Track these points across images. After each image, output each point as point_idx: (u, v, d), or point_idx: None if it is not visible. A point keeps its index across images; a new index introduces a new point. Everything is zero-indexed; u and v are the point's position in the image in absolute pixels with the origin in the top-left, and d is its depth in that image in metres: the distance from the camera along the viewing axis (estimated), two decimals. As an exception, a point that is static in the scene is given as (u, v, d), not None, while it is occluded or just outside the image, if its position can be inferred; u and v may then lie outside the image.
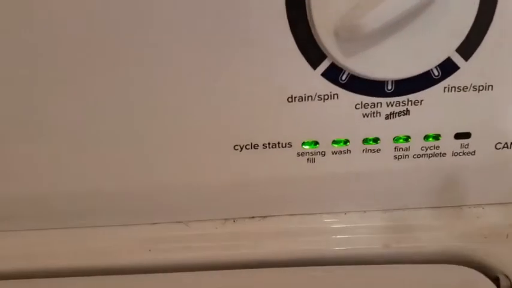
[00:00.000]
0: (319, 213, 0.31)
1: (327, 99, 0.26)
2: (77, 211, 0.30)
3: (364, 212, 0.31)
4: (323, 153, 0.28)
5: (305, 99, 0.26)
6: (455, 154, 0.28)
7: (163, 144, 0.27)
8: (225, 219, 0.31)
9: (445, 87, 0.26)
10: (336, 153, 0.28)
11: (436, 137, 0.28)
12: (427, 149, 0.28)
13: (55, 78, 0.25)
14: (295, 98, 0.26)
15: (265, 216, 0.31)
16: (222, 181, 0.29)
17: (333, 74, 0.26)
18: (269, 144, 0.28)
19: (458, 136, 0.28)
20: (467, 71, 0.26)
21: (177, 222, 0.31)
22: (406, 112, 0.27)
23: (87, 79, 0.25)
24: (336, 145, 0.28)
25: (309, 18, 0.24)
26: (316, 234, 0.31)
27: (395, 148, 0.28)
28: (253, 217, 0.31)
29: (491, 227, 0.30)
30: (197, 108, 0.26)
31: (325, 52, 0.25)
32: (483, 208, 0.31)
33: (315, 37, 0.24)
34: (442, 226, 0.31)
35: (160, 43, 0.25)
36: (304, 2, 0.24)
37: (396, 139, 0.28)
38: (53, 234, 0.30)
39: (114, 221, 0.31)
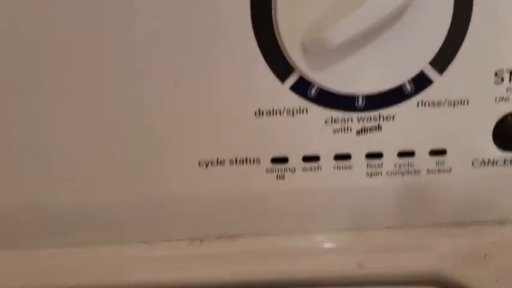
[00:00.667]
0: (290, 233, 0.30)
1: (296, 113, 0.26)
2: (33, 230, 0.28)
3: (337, 230, 0.30)
4: (293, 169, 0.27)
5: (273, 114, 0.26)
6: (431, 171, 0.27)
7: (124, 158, 0.26)
8: (191, 239, 0.29)
9: (418, 102, 0.26)
10: (306, 170, 0.27)
11: (410, 153, 0.27)
12: (400, 166, 0.27)
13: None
14: (263, 112, 0.25)
15: (233, 236, 0.30)
16: (186, 199, 0.28)
17: (302, 88, 0.25)
18: (236, 160, 0.27)
19: (433, 153, 0.27)
20: (442, 86, 0.25)
21: (140, 242, 0.29)
22: (378, 128, 0.26)
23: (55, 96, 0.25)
24: (306, 161, 0.27)
25: (275, 30, 0.24)
26: (287, 254, 0.30)
27: (367, 165, 0.27)
28: (221, 237, 0.30)
29: (469, 246, 0.29)
30: (160, 122, 0.25)
31: (292, 65, 0.24)
32: (460, 227, 0.30)
33: (282, 50, 0.24)
34: (418, 246, 0.30)
35: (126, 59, 0.24)
36: (271, 14, 0.23)
37: (368, 155, 0.27)
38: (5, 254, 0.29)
39: (74, 240, 0.29)
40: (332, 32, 0.22)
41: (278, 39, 0.23)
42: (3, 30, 0.23)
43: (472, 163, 0.27)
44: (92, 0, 0.23)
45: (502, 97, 0.26)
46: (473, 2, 0.24)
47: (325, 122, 0.26)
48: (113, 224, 0.28)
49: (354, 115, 0.26)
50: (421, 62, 0.24)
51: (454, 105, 0.26)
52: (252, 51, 0.24)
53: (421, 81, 0.25)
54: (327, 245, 0.30)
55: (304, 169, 0.27)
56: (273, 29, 0.23)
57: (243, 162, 0.27)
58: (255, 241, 0.29)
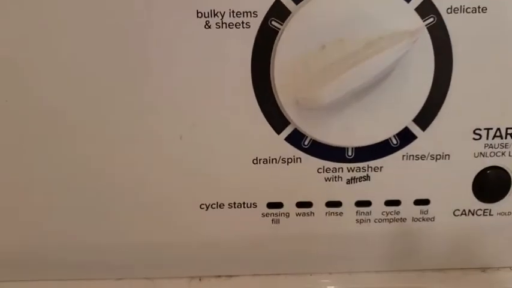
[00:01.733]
0: (284, 274, 0.31)
1: (291, 162, 0.27)
2: (34, 264, 0.30)
3: (330, 273, 0.31)
4: (287, 214, 0.28)
5: (270, 162, 0.27)
6: (415, 219, 0.28)
7: (129, 200, 0.28)
8: (191, 277, 0.31)
9: (403, 155, 0.27)
10: (299, 215, 0.28)
11: (397, 202, 0.28)
12: (387, 214, 0.28)
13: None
14: (260, 160, 0.27)
15: (231, 276, 0.31)
16: (188, 239, 0.29)
17: (296, 139, 0.27)
18: (234, 204, 0.28)
19: (418, 202, 0.28)
20: (425, 141, 0.27)
21: (143, 278, 0.31)
22: (367, 178, 0.27)
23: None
24: (299, 207, 0.28)
25: (273, 88, 0.25)
26: None
27: (357, 212, 0.28)
28: (219, 276, 0.31)
29: None
30: (165, 167, 0.27)
31: (288, 119, 0.26)
32: (445, 272, 0.31)
33: (279, 105, 0.26)
34: None
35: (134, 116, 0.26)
36: (269, 75, 0.25)
37: (358, 203, 0.28)
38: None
39: (76, 274, 0.30)
40: (322, 92, 0.23)
41: (275, 96, 0.25)
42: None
43: (454, 213, 0.28)
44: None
45: (480, 152, 0.27)
46: (453, 65, 0.25)
47: (318, 171, 0.27)
48: (119, 261, 0.29)
49: (344, 165, 0.27)
50: (406, 119, 0.26)
51: (436, 159, 0.27)
52: (251, 106, 0.26)
53: (405, 136, 0.26)
54: (320, 287, 0.31)
55: (297, 214, 0.28)
56: (271, 88, 0.25)
57: (240, 206, 0.28)
58: (251, 280, 0.30)
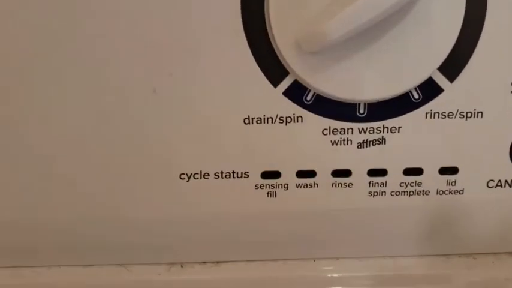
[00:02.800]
0: (282, 260, 0.28)
1: (290, 122, 0.24)
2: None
3: (336, 259, 0.28)
4: (286, 186, 0.25)
5: (264, 122, 0.24)
6: (441, 192, 0.26)
7: (94, 171, 0.25)
8: (171, 263, 0.28)
9: (427, 113, 0.24)
10: (300, 187, 0.25)
11: (418, 171, 0.25)
12: (407, 186, 0.25)
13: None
14: (252, 119, 0.24)
15: (218, 262, 0.28)
16: (165, 216, 0.26)
17: (297, 93, 0.24)
18: (222, 173, 0.25)
19: (444, 171, 0.25)
20: (453, 94, 0.24)
21: (115, 264, 0.27)
22: (382, 141, 0.24)
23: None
24: (300, 177, 0.25)
25: (268, 28, 0.22)
26: (279, 284, 0.27)
27: (369, 183, 0.25)
28: (204, 262, 0.28)
29: (483, 280, 0.27)
30: (136, 129, 0.24)
31: (287, 68, 0.23)
32: (474, 258, 0.28)
33: (276, 50, 0.23)
34: (426, 278, 0.27)
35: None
36: (263, 10, 0.22)
37: (370, 172, 0.25)
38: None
39: (41, 260, 0.27)
40: (329, 25, 0.20)
41: (271, 38, 0.22)
42: None
43: (487, 184, 0.25)
44: None
45: (520, 109, 0.24)
46: (487, 1, 0.22)
47: (323, 132, 0.24)
48: (87, 244, 0.27)
49: (355, 125, 0.24)
50: (430, 68, 0.23)
51: (466, 117, 0.24)
52: (241, 52, 0.22)
53: (429, 89, 0.23)
54: (326, 275, 0.28)
55: (298, 186, 0.25)
56: (265, 28, 0.22)
57: (229, 176, 0.25)
58: (242, 267, 0.28)
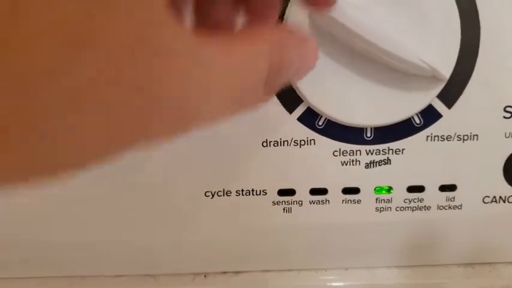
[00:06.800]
0: (297, 270, 0.29)
1: (304, 144, 0.25)
2: (30, 260, 0.28)
3: (346, 269, 0.29)
4: (300, 202, 0.26)
5: (280, 144, 0.25)
6: (441, 208, 0.26)
7: (127, 191, 0.26)
8: (195, 273, 0.28)
9: (427, 136, 0.25)
10: (313, 203, 0.26)
11: (420, 188, 0.26)
12: (410, 201, 0.26)
13: None
14: (270, 142, 0.25)
15: (238, 272, 0.28)
16: (191, 230, 0.27)
17: (310, 119, 0.25)
18: (242, 191, 0.26)
19: (443, 188, 0.26)
20: (451, 119, 0.25)
21: (144, 275, 0.28)
22: (387, 161, 0.26)
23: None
24: (313, 194, 0.26)
25: None
26: None
27: (376, 199, 0.26)
28: (225, 272, 0.28)
29: None
30: (165, 150, 0.25)
31: (301, 96, 0.24)
32: (473, 268, 0.28)
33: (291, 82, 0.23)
34: (427, 287, 0.28)
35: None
36: None
37: (377, 190, 0.26)
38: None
39: (73, 271, 0.28)
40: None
41: None
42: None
43: (483, 200, 0.26)
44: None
45: (512, 132, 0.25)
46: (480, 33, 0.23)
47: (333, 154, 0.25)
48: (118, 256, 0.28)
49: (363, 148, 0.25)
50: (430, 95, 0.24)
51: (463, 139, 0.25)
52: None
53: (429, 115, 0.25)
54: (335, 284, 0.28)
55: (311, 202, 0.26)
56: None
57: (249, 193, 0.26)
58: (260, 277, 0.28)
